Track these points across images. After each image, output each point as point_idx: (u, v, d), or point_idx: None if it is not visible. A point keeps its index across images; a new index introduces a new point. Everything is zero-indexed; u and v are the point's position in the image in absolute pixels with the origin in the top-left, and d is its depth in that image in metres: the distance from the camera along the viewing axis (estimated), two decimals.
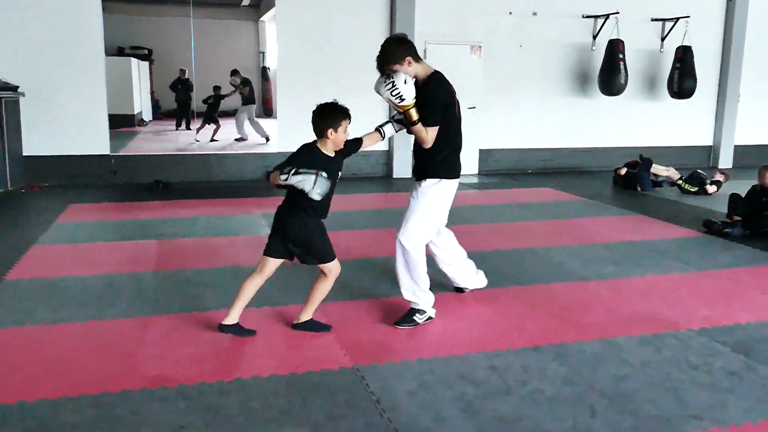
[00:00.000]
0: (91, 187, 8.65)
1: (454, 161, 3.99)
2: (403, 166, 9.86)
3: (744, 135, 11.95)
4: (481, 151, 10.48)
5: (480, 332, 3.92)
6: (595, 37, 10.80)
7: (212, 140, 13.48)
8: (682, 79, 10.84)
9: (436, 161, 3.91)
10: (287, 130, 9.72)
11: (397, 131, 4.05)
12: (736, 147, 11.90)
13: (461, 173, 4.09)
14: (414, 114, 3.78)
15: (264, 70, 23.18)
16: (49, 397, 2.97)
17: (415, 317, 3.94)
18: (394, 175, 9.89)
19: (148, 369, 3.29)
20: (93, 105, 8.86)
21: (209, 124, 13.95)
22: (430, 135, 3.82)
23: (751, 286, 4.87)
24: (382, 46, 3.86)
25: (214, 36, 20.93)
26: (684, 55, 10.81)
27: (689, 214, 7.51)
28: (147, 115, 19.00)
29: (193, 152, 11.29)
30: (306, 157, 3.59)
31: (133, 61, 17.38)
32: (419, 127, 3.81)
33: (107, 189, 8.66)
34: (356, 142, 3.86)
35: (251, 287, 3.75)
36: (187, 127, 16.59)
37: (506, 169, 10.75)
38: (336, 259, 3.75)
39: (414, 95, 3.75)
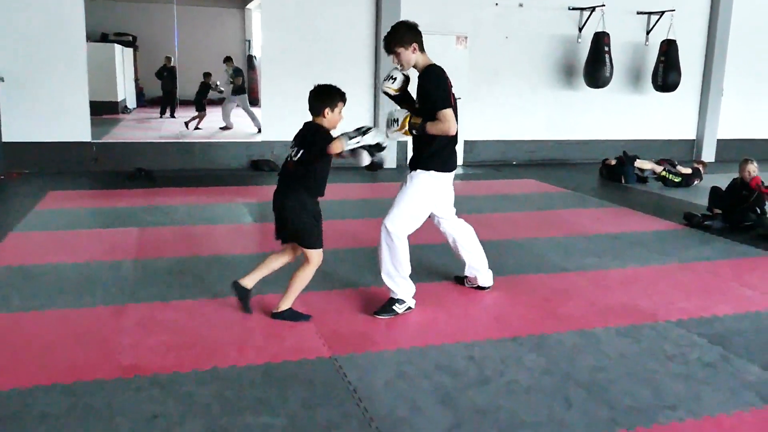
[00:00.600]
0: (72, 175, 8.55)
1: (448, 154, 3.96)
2: (389, 156, 9.83)
3: (727, 129, 12.02)
4: (465, 142, 10.46)
5: (459, 323, 3.92)
6: (581, 30, 10.80)
7: (196, 128, 13.39)
8: (666, 73, 10.87)
9: (429, 153, 3.92)
10: (271, 119, 9.66)
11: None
12: (719, 141, 11.98)
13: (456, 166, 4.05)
14: (414, 119, 3.83)
15: (250, 59, 22.99)
16: (21, 386, 2.93)
17: (394, 307, 3.94)
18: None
19: (123, 358, 3.26)
20: (74, 91, 8.73)
21: (199, 112, 13.88)
22: (448, 117, 3.76)
23: (729, 278, 4.91)
24: (393, 26, 3.93)
25: (199, 23, 20.71)
26: (669, 49, 10.84)
27: (671, 207, 7.55)
28: (131, 103, 18.77)
29: (176, 140, 11.17)
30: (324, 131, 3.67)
31: (117, 47, 17.15)
32: (431, 124, 3.77)
33: (88, 176, 8.56)
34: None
35: (275, 261, 3.89)
36: (172, 115, 16.43)
37: (491, 161, 10.75)
38: (321, 249, 3.74)
39: (400, 86, 3.88)
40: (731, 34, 11.54)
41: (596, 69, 10.50)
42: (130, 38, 20.55)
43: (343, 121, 3.76)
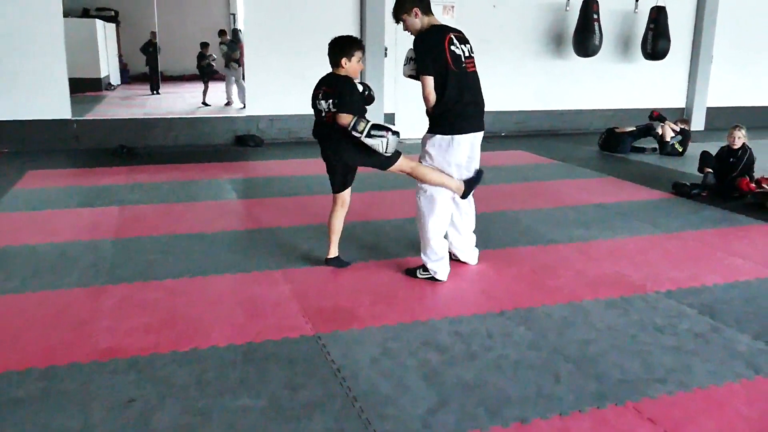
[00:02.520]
0: (52, 153, 8.37)
1: (451, 118, 3.84)
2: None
3: (716, 97, 11.93)
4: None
5: (445, 297, 3.84)
6: None
7: (204, 103, 13.16)
8: (656, 41, 10.74)
9: (433, 117, 3.90)
10: (256, 94, 9.48)
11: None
12: (709, 109, 11.90)
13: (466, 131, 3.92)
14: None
15: (235, 32, 22.62)
16: None
17: (417, 271, 4.05)
18: None
19: (99, 340, 3.17)
20: (52, 68, 8.50)
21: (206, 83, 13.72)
22: (424, 83, 3.80)
23: (718, 247, 4.85)
24: None
25: None
26: (658, 16, 10.69)
27: (660, 176, 7.49)
28: (115, 79, 18.47)
29: (160, 116, 10.97)
30: (353, 89, 3.80)
31: (99, 23, 16.81)
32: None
33: (69, 154, 8.39)
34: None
35: (338, 221, 4.13)
36: (156, 92, 16.17)
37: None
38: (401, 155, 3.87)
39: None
40: (720, 0, 11.40)
41: (585, 37, 10.36)
42: (113, 13, 20.17)
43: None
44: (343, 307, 3.64)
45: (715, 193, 6.38)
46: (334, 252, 4.23)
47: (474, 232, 4.34)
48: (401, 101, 9.91)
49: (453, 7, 10.05)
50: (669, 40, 10.72)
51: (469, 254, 4.33)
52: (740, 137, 6.45)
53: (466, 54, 3.87)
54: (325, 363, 2.99)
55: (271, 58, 9.31)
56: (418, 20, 3.86)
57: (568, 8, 10.62)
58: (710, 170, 6.50)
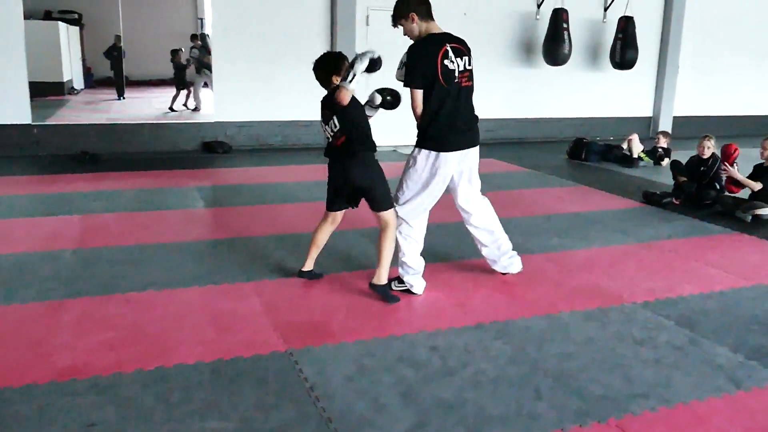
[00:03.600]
0: (11, 159, 8.05)
1: (436, 133, 3.72)
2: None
3: (682, 106, 12.09)
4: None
5: (420, 310, 3.75)
6: (539, 6, 10.66)
7: (183, 105, 12.96)
8: (624, 50, 10.83)
9: (420, 130, 3.80)
10: (224, 100, 9.29)
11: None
12: (675, 118, 12.05)
13: (454, 148, 3.79)
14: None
15: (203, 37, 22.32)
16: None
17: (393, 283, 3.94)
18: None
19: (58, 359, 2.99)
20: (11, 71, 8.21)
21: (179, 90, 13.47)
22: (412, 95, 3.72)
23: (692, 257, 4.85)
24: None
25: (148, 0, 19.99)
26: (626, 26, 10.79)
27: (629, 184, 7.51)
28: (78, 83, 18.02)
29: (124, 122, 10.69)
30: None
31: (62, 25, 16.39)
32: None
33: (29, 161, 8.09)
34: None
35: (323, 235, 4.03)
36: (121, 96, 15.83)
37: None
38: (393, 207, 3.78)
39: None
40: (687, 10, 11.56)
41: (555, 46, 10.40)
42: (76, 16, 19.68)
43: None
44: (316, 322, 3.52)
45: (689, 199, 6.42)
46: (309, 265, 4.09)
47: (486, 243, 4.17)
48: None
49: None
50: (637, 50, 10.83)
51: (503, 264, 4.20)
52: (709, 147, 6.51)
53: (461, 68, 3.77)
54: (298, 381, 2.86)
55: (240, 63, 9.14)
56: (416, 26, 3.74)
57: (538, 17, 10.67)
58: (685, 179, 6.55)
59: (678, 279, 4.35)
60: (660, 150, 8.92)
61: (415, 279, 3.92)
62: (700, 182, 6.43)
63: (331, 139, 3.73)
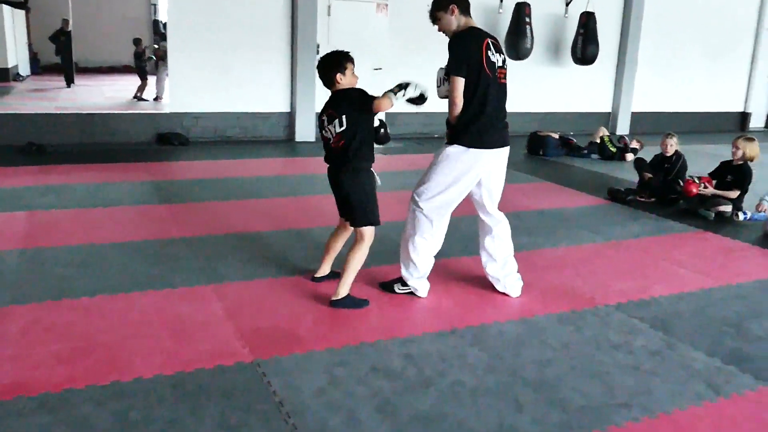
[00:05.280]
0: None
1: (478, 129, 3.54)
2: (306, 129, 9.36)
3: (641, 102, 12.23)
4: (386, 114, 10.12)
5: (392, 315, 3.60)
6: (502, 0, 10.60)
7: (140, 98, 12.76)
8: (585, 45, 10.87)
9: (458, 126, 3.58)
10: (180, 89, 8.96)
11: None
12: (633, 114, 12.18)
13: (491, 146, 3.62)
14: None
15: (156, 24, 21.69)
16: None
17: (395, 286, 3.84)
18: (297, 139, 9.36)
19: (2, 374, 2.74)
20: None
21: (143, 81, 13.18)
22: (454, 85, 3.54)
23: (660, 256, 4.83)
24: None
25: None
26: (587, 21, 10.84)
27: (594, 181, 7.52)
28: (24, 70, 17.31)
29: (73, 111, 10.23)
30: (365, 93, 3.51)
31: (6, 8, 15.68)
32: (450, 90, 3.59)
33: None
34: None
35: (335, 240, 3.92)
36: (70, 84, 15.24)
37: (412, 134, 10.48)
38: (375, 226, 3.62)
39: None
40: (646, 7, 11.67)
41: (517, 40, 10.37)
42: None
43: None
44: (283, 328, 3.34)
45: (655, 194, 6.43)
46: (324, 270, 3.97)
47: (496, 258, 3.88)
48: None
49: (387, 5, 9.84)
50: (598, 46, 10.88)
51: (508, 284, 3.89)
52: (672, 144, 6.56)
53: (500, 63, 3.62)
54: (266, 395, 2.69)
55: (196, 52, 8.82)
56: (455, 19, 3.60)
57: (501, 11, 10.61)
58: (650, 175, 6.57)
59: (648, 280, 4.31)
60: (626, 146, 9.03)
61: (420, 282, 3.79)
62: (665, 178, 6.47)
63: (330, 141, 3.52)
